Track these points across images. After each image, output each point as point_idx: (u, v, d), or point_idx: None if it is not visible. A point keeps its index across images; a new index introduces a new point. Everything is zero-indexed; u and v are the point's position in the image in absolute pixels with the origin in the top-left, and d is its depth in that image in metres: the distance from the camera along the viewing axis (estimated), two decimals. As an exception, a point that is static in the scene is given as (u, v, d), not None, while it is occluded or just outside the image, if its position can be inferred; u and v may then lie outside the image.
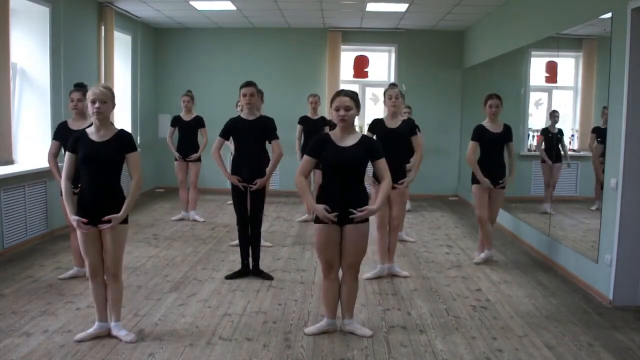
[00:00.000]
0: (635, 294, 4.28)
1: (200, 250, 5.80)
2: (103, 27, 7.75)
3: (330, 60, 9.70)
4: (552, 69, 6.28)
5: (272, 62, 9.85)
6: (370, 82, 10.18)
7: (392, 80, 9.90)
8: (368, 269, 4.95)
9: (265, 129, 4.85)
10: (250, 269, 4.88)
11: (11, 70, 5.80)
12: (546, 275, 5.12)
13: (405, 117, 5.21)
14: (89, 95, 3.34)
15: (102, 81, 7.74)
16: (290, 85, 9.81)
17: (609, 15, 4.47)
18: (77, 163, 3.39)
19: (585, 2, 5.05)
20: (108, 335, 3.51)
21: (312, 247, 5.63)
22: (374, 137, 4.80)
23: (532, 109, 6.71)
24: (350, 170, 3.48)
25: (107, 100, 3.34)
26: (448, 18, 8.56)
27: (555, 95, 6.50)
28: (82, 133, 3.42)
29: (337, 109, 3.47)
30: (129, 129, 8.95)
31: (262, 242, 5.95)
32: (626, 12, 4.15)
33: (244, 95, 4.87)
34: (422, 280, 4.87)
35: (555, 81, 6.28)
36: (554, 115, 6.12)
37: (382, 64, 10.17)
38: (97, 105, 3.31)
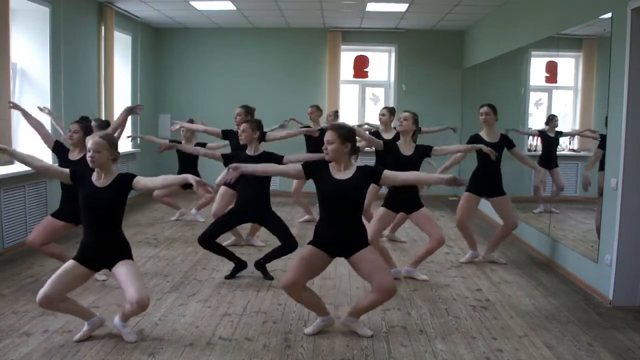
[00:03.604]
0: (635, 294, 4.28)
1: (200, 250, 5.75)
2: (103, 27, 7.75)
3: (330, 60, 9.70)
4: (552, 69, 6.28)
5: (272, 62, 9.85)
6: (370, 82, 10.18)
7: (392, 80, 9.91)
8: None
9: (269, 161, 4.78)
10: (245, 262, 4.88)
11: (11, 70, 5.80)
12: (546, 275, 5.12)
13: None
14: (87, 141, 3.45)
15: (102, 81, 7.75)
16: (290, 85, 9.82)
17: (609, 15, 4.47)
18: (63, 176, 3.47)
19: (585, 2, 5.05)
20: (101, 325, 3.55)
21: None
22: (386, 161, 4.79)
23: (532, 109, 6.71)
24: (345, 203, 3.48)
25: (100, 150, 3.36)
26: (448, 18, 8.56)
27: (555, 95, 6.50)
28: (88, 172, 3.44)
29: (324, 142, 3.49)
30: (129, 129, 8.93)
31: (256, 242, 5.96)
32: (626, 12, 4.15)
33: (239, 131, 4.79)
34: (422, 281, 4.86)
35: (555, 81, 6.28)
36: (552, 120, 6.09)
37: (382, 64, 10.17)
38: (90, 154, 3.37)
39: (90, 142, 3.39)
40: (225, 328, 3.74)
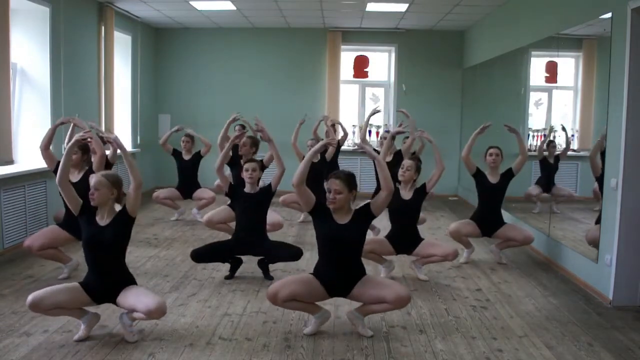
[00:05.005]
0: (635, 294, 4.28)
1: (200, 250, 5.79)
2: (103, 27, 7.75)
3: (330, 60, 9.70)
4: (552, 69, 6.28)
5: (272, 62, 9.86)
6: (370, 82, 10.18)
7: (392, 80, 9.91)
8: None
9: (266, 199, 4.81)
10: (240, 259, 4.90)
11: (11, 70, 5.80)
12: (546, 275, 5.13)
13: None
14: (91, 178, 3.49)
15: (102, 81, 7.75)
16: (290, 85, 9.83)
17: (609, 15, 4.47)
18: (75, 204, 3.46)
19: (585, 2, 5.05)
20: (98, 320, 3.56)
21: (312, 248, 5.62)
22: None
23: (532, 109, 6.71)
24: (345, 247, 3.52)
25: (100, 188, 3.39)
26: (448, 18, 8.56)
27: (555, 95, 6.50)
28: (93, 209, 3.46)
29: (329, 191, 3.48)
30: (129, 128, 8.96)
31: None
32: (626, 12, 4.16)
33: (247, 170, 4.78)
34: (422, 280, 4.87)
35: (555, 81, 6.28)
36: (551, 146, 6.04)
37: (382, 64, 10.17)
38: (91, 191, 3.39)
39: (93, 180, 3.43)
40: (225, 328, 3.74)
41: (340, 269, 3.55)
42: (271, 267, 4.96)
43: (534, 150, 6.42)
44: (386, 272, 4.89)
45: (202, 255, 4.73)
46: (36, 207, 5.97)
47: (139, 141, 9.13)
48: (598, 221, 4.62)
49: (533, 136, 6.60)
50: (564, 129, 5.97)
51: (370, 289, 3.53)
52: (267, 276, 4.84)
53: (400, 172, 4.86)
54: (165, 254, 5.64)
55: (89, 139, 3.54)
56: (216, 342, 3.51)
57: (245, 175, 4.78)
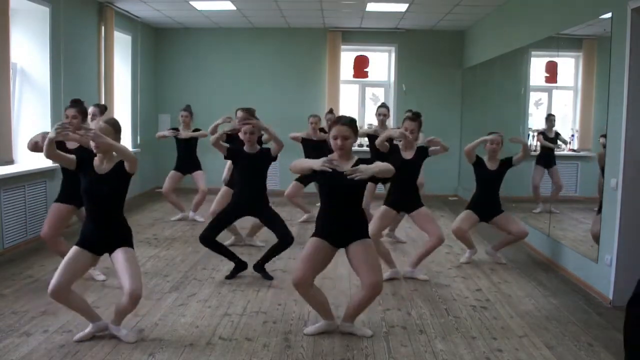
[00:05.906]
0: (635, 294, 4.27)
1: (200, 250, 5.77)
2: (103, 27, 7.75)
3: (330, 60, 9.70)
4: (552, 69, 6.28)
5: (272, 62, 9.86)
6: (370, 82, 10.19)
7: (392, 80, 9.91)
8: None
9: (266, 162, 4.84)
10: (245, 263, 4.89)
11: (11, 70, 5.80)
12: (546, 275, 5.13)
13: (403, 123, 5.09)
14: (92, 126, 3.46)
15: (103, 81, 7.75)
16: (290, 85, 9.83)
17: (609, 15, 4.47)
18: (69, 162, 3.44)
19: (585, 2, 5.05)
20: (105, 329, 3.52)
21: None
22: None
23: (532, 109, 6.71)
24: (346, 195, 3.50)
25: (106, 135, 3.37)
26: (448, 18, 8.56)
27: (555, 95, 6.50)
28: (90, 158, 3.46)
29: (335, 138, 3.47)
30: (129, 128, 8.96)
31: (256, 242, 5.96)
32: (626, 12, 4.16)
33: (245, 133, 4.81)
34: (422, 280, 4.86)
35: (555, 81, 6.28)
36: (549, 120, 6.13)
37: (382, 64, 10.18)
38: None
39: (96, 128, 3.40)
40: (225, 328, 3.74)
41: (340, 216, 3.52)
42: (271, 267, 4.95)
43: (534, 150, 6.43)
44: (390, 276, 4.87)
45: (210, 232, 4.71)
46: (36, 207, 5.97)
47: (139, 141, 9.13)
48: (599, 211, 4.60)
49: (533, 136, 6.60)
50: (564, 141, 6.04)
51: (358, 255, 3.48)
52: (267, 277, 4.84)
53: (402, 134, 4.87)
54: (165, 254, 5.64)
55: (67, 132, 3.46)
56: (216, 342, 3.51)
57: (244, 138, 4.81)
